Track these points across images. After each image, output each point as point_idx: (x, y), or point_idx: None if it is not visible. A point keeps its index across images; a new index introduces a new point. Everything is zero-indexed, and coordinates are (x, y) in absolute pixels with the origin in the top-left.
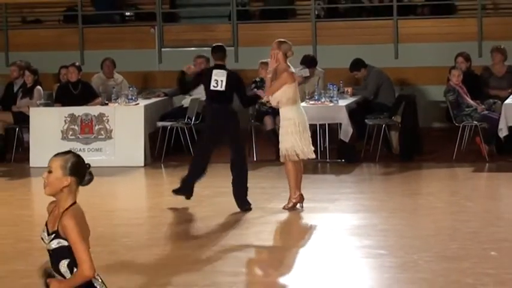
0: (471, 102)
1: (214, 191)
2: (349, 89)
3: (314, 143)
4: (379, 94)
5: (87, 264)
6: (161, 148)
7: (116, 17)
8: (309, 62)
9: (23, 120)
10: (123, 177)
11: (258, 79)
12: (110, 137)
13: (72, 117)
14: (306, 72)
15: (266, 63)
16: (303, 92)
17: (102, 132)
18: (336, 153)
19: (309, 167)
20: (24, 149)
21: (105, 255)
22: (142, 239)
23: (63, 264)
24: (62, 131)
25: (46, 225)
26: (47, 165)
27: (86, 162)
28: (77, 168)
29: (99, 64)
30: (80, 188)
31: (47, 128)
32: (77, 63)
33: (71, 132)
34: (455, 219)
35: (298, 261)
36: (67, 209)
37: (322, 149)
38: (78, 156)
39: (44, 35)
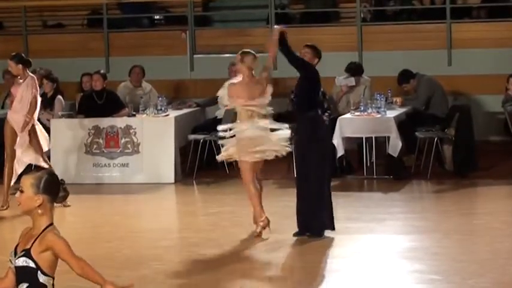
0: None
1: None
2: (398, 99)
3: (360, 158)
4: (430, 104)
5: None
6: (193, 163)
7: (144, 21)
8: (355, 69)
9: None
10: (152, 195)
11: None
12: (137, 151)
13: (97, 130)
14: (351, 81)
15: None
16: (347, 102)
17: (129, 145)
18: (384, 169)
19: (355, 184)
20: None
21: (134, 280)
22: (173, 262)
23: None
24: (85, 145)
25: (16, 248)
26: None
27: (60, 178)
28: (50, 186)
29: (126, 72)
30: (105, 206)
31: (70, 142)
32: (102, 71)
33: (95, 146)
34: None
35: (344, 287)
36: (44, 230)
37: (368, 165)
38: (51, 174)
39: (66, 41)
